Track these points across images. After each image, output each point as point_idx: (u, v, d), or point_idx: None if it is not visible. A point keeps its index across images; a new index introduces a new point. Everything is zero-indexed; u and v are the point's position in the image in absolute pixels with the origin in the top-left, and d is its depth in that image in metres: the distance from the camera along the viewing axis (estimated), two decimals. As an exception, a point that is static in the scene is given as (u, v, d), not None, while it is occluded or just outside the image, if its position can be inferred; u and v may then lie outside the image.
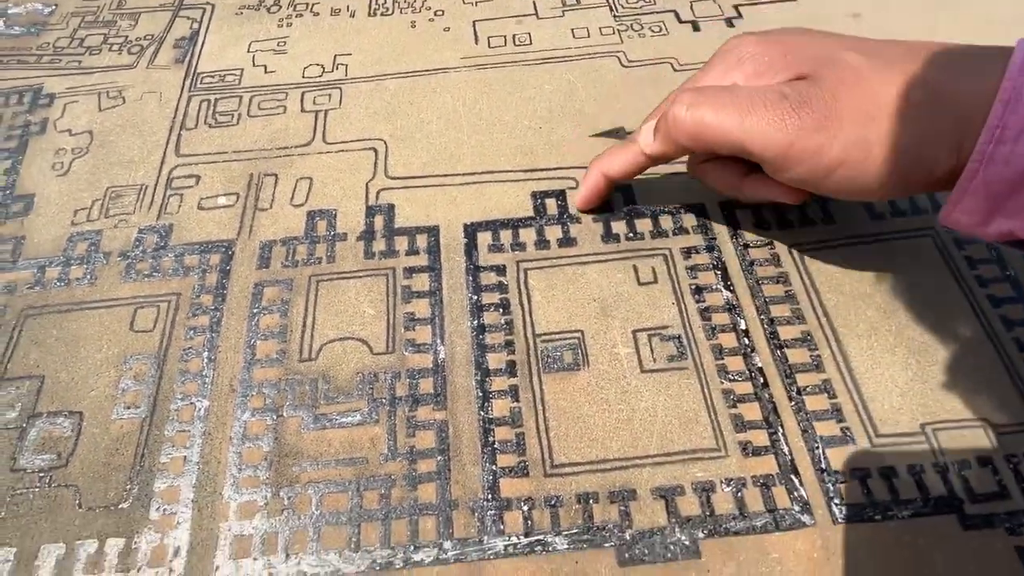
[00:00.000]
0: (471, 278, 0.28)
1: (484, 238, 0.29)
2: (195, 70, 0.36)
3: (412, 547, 0.22)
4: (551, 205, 0.30)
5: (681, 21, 0.37)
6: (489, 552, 0.21)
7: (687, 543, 0.21)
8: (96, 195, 0.31)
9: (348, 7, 0.38)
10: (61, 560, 0.22)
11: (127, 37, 0.37)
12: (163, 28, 0.38)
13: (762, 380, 0.24)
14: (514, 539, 0.22)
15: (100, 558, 0.22)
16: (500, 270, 0.28)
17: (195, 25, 0.38)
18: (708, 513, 0.22)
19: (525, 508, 0.22)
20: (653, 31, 0.37)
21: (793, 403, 0.24)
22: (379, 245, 0.29)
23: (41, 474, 0.23)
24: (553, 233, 0.29)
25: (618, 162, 0.27)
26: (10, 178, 0.31)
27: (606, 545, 0.21)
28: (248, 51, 0.36)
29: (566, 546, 0.21)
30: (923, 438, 0.23)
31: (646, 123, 0.26)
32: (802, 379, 0.24)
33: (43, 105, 0.34)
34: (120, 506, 0.23)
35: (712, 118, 0.22)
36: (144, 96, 0.35)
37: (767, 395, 0.24)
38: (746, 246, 0.28)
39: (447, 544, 0.22)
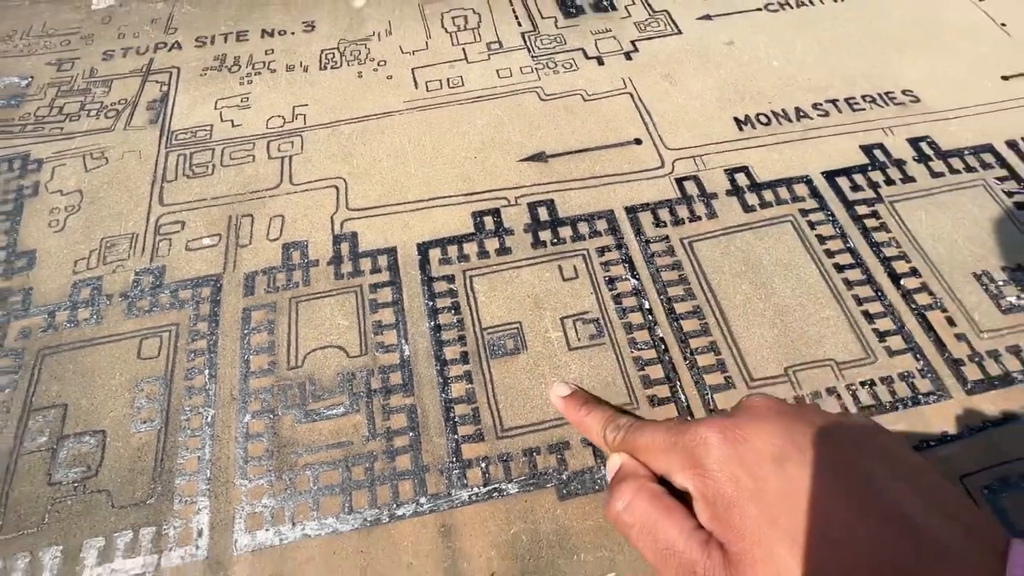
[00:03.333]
0: (426, 288, 0.33)
1: (435, 254, 0.34)
2: (169, 128, 0.40)
3: (395, 505, 0.27)
4: (488, 222, 0.36)
5: (588, 57, 0.44)
6: (456, 501, 0.27)
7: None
8: (92, 246, 0.35)
9: (301, 63, 0.44)
10: (102, 550, 0.26)
11: (103, 103, 0.42)
12: (135, 92, 0.42)
13: (663, 347, 0.31)
14: (476, 489, 0.27)
15: (135, 544, 0.26)
16: (450, 279, 0.33)
17: (164, 88, 0.42)
18: (625, 453, 0.28)
19: (483, 465, 0.28)
20: (565, 67, 0.43)
21: (687, 362, 0.30)
22: (347, 267, 0.34)
23: (75, 484, 0.28)
24: (492, 245, 0.35)
25: (592, 439, 0.27)
26: (11, 238, 0.35)
27: (548, 486, 0.27)
28: (215, 108, 0.41)
29: (517, 490, 0.27)
30: (786, 379, 0.30)
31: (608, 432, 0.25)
32: (694, 342, 0.31)
33: (32, 170, 0.38)
34: (147, 502, 0.27)
35: (635, 538, 0.22)
36: (125, 155, 0.39)
37: (667, 358, 0.30)
38: (647, 241, 0.35)
39: (423, 499, 0.27)
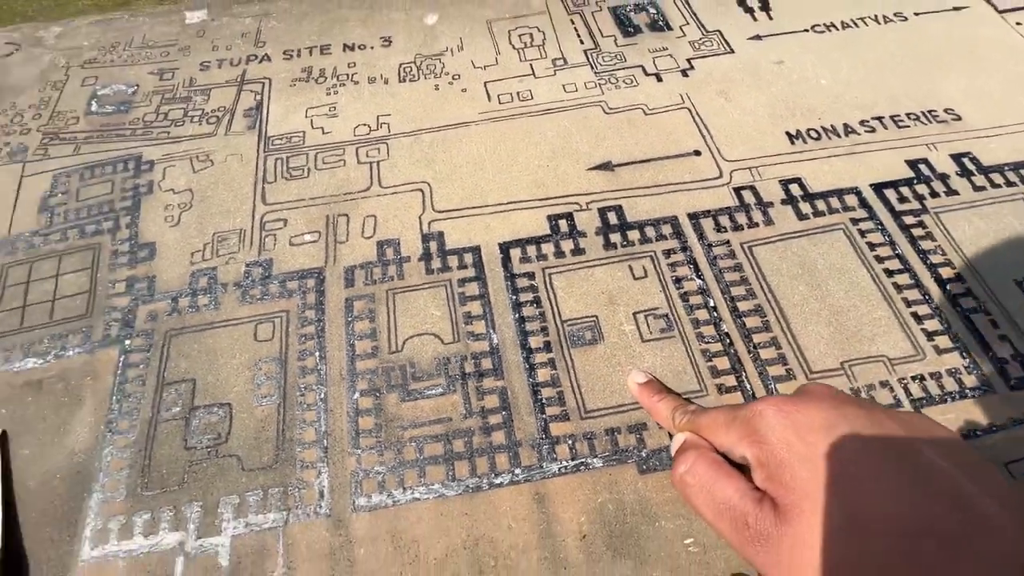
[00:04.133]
0: (509, 283, 0.36)
1: (515, 253, 0.38)
2: (266, 134, 0.44)
3: (492, 475, 0.30)
4: (563, 225, 0.39)
5: (647, 74, 0.47)
6: (548, 473, 0.30)
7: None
8: (205, 239, 0.39)
9: (382, 75, 0.48)
10: (237, 507, 0.30)
11: (203, 110, 0.46)
12: (232, 101, 0.46)
13: (728, 341, 0.34)
14: (564, 463, 0.30)
15: (266, 502, 0.30)
16: (531, 276, 0.37)
17: (258, 97, 0.46)
18: (698, 434, 0.31)
19: (570, 442, 0.31)
20: (626, 83, 0.46)
21: (751, 354, 0.33)
22: (436, 263, 0.37)
23: (208, 449, 0.31)
24: (567, 246, 0.38)
25: (662, 422, 0.31)
26: (132, 231, 0.39)
27: (629, 461, 0.30)
28: (306, 116, 0.45)
29: (601, 464, 0.30)
30: (842, 372, 0.33)
31: (675, 415, 0.29)
32: (756, 337, 0.34)
33: (145, 170, 0.42)
34: (273, 467, 0.31)
35: (695, 497, 0.25)
36: (228, 158, 0.43)
37: (733, 351, 0.33)
38: (710, 245, 0.38)
39: (517, 470, 0.30)
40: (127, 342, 0.35)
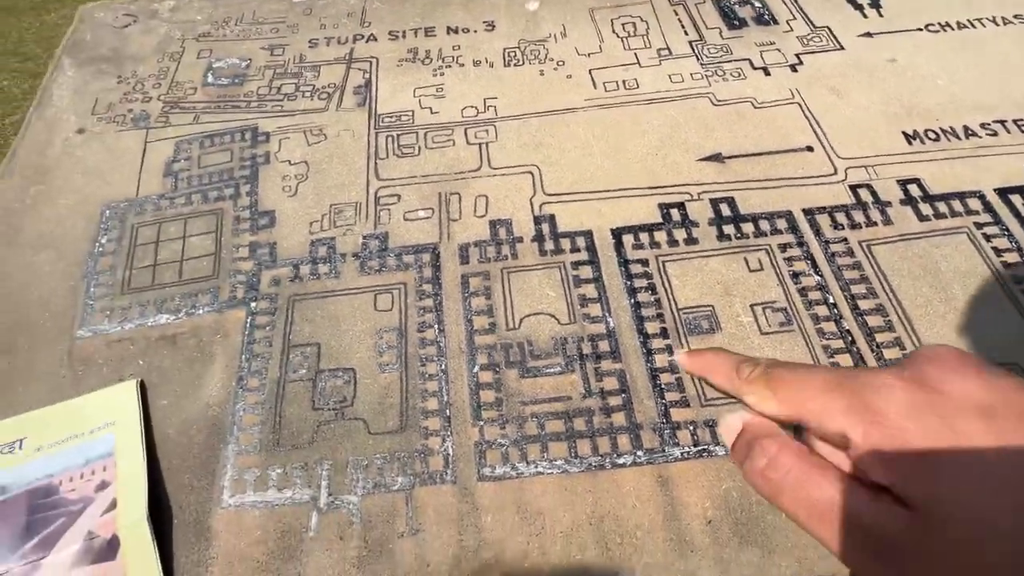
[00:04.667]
0: (623, 269, 0.37)
1: (628, 239, 0.38)
2: (375, 112, 0.45)
3: (615, 455, 0.30)
4: (675, 214, 0.39)
5: (754, 67, 0.47)
6: (670, 457, 0.30)
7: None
8: (323, 210, 0.40)
9: (487, 59, 0.48)
10: (365, 468, 0.30)
11: (314, 86, 0.47)
12: (341, 78, 0.47)
13: (850, 338, 0.33)
14: (687, 448, 0.30)
15: (392, 466, 0.31)
16: (644, 263, 0.37)
17: (366, 75, 0.47)
18: (821, 429, 0.31)
19: (691, 428, 0.31)
20: (733, 76, 0.46)
21: (875, 353, 0.33)
22: (549, 245, 0.38)
23: (335, 411, 0.32)
24: (680, 234, 0.38)
25: (720, 383, 0.25)
26: (252, 199, 0.41)
27: (752, 451, 0.30)
28: (414, 96, 0.46)
29: (723, 452, 0.30)
30: (970, 377, 0.32)
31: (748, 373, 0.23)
32: (879, 336, 0.33)
33: (262, 141, 0.44)
34: (399, 432, 0.31)
35: (783, 496, 0.20)
36: (341, 133, 0.44)
37: (855, 349, 0.33)
38: (827, 242, 0.37)
39: (640, 452, 0.30)
40: (253, 304, 0.36)
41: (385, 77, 0.48)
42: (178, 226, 0.40)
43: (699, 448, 0.31)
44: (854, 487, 0.19)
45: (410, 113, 0.45)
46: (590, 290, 0.36)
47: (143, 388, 0.33)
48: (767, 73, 0.46)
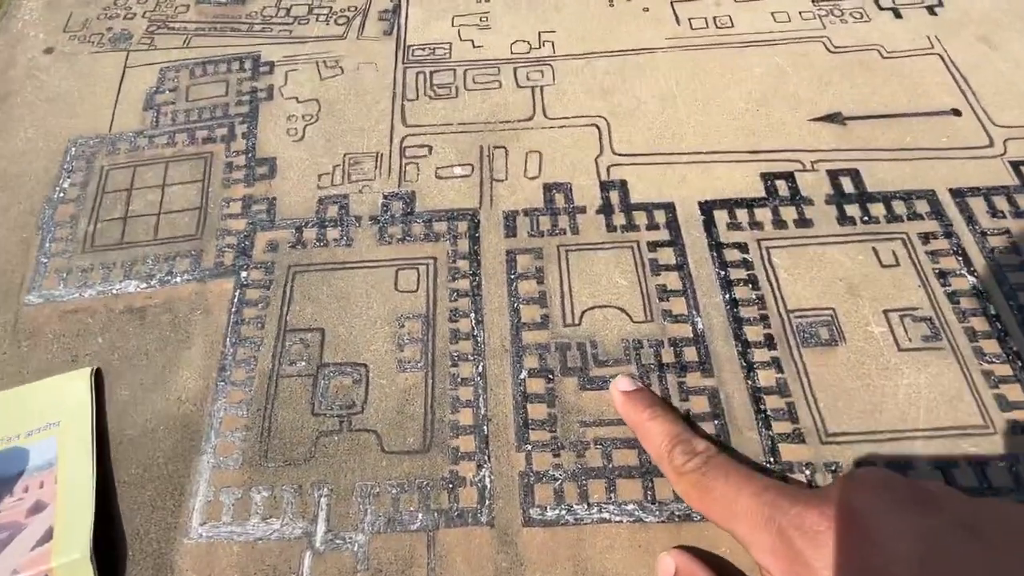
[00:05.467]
0: (715, 254, 0.28)
1: (720, 216, 0.30)
2: (404, 42, 0.37)
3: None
4: (781, 186, 0.30)
5: (881, 8, 0.37)
6: (779, 510, 0.23)
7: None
8: (335, 160, 0.32)
9: (543, -16, 0.39)
10: (375, 496, 0.23)
11: (331, 8, 0.38)
12: (364, 0, 0.39)
13: (1020, 363, 0.25)
14: (802, 500, 0.23)
15: (411, 497, 0.23)
16: (743, 248, 0.29)
17: (395, -2, 0.39)
18: (986, 486, 0.23)
19: (807, 471, 0.23)
20: (854, 17, 0.37)
21: (1056, 386, 0.25)
22: (619, 219, 0.30)
23: (340, 418, 0.25)
24: (788, 214, 0.30)
25: (649, 449, 0.23)
26: (250, 142, 0.33)
27: (891, 510, 0.23)
28: (452, 25, 0.37)
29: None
30: None
31: None
32: (1062, 364, 0.25)
33: (265, 72, 0.36)
34: (421, 453, 0.24)
35: None
36: (361, 66, 0.36)
37: (1028, 377, 0.25)
38: (983, 233, 0.29)
39: (738, 501, 0.23)
40: (243, 274, 0.29)
41: (418, 2, 0.39)
42: (157, 171, 0.32)
43: (819, 501, 0.23)
44: None
45: (447, 46, 0.37)
46: (672, 280, 0.28)
47: (99, 378, 0.26)
48: (898, 15, 0.37)
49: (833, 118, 0.33)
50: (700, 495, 0.21)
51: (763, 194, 0.30)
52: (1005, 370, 0.25)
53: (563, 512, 0.23)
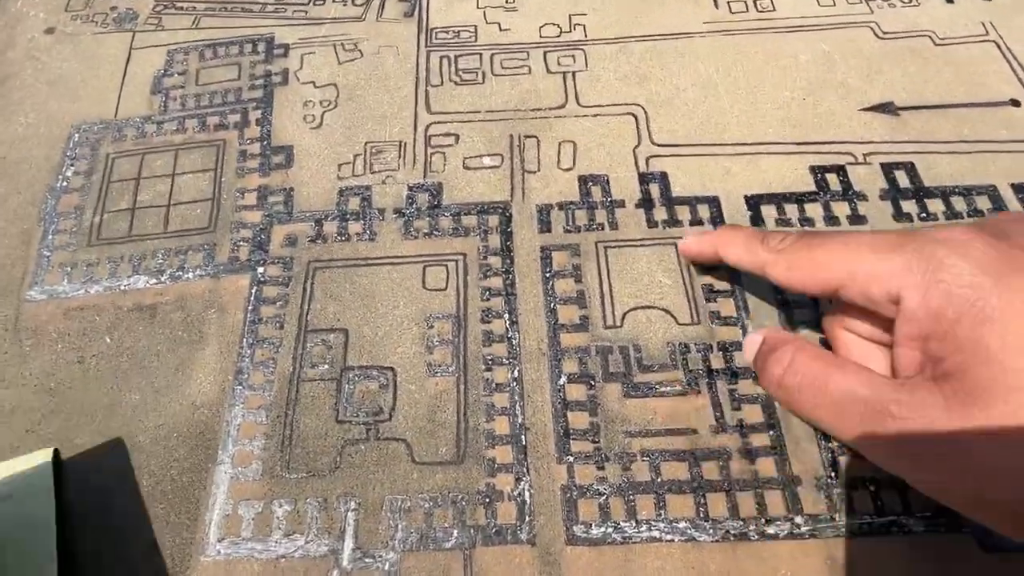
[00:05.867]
0: (764, 252, 0.27)
1: (768, 211, 0.28)
2: (427, 25, 0.35)
3: (763, 520, 0.21)
4: (832, 180, 0.29)
5: (931, -8, 0.35)
6: (843, 530, 0.21)
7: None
8: (356, 149, 0.30)
9: (572, -36, 0.37)
10: (406, 512, 0.22)
11: (348, -12, 0.36)
12: (383, -20, 0.37)
13: (1096, 372, 0.24)
14: (868, 519, 0.21)
15: (445, 512, 0.22)
16: (793, 245, 0.27)
17: (415, -22, 0.37)
18: None
19: (871, 488, 0.22)
20: (903, 1, 0.35)
21: None
22: (660, 214, 0.28)
23: (367, 426, 0.23)
24: (840, 210, 0.28)
25: (738, 256, 0.22)
26: (264, 129, 0.31)
27: (964, 530, 0.21)
28: (478, 7, 0.35)
29: (923, 529, 0.21)
30: None
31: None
32: None
33: (279, 55, 0.34)
34: (455, 463, 0.23)
35: (802, 401, 0.19)
36: (381, 50, 0.34)
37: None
38: (1050, 232, 0.27)
39: (798, 519, 0.21)
40: (260, 269, 0.27)
41: (440, -18, 0.37)
42: (166, 159, 0.31)
43: (886, 519, 0.21)
44: (875, 378, 0.17)
45: (472, 29, 0.35)
46: (719, 280, 0.26)
47: (57, 459, 0.23)
48: (949, 0, 0.35)
49: (885, 108, 0.31)
50: (811, 254, 0.19)
51: (813, 188, 0.28)
52: (1080, 379, 0.24)
53: (609, 530, 0.21)
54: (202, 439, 0.23)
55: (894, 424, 0.16)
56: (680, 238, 0.27)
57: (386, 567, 0.21)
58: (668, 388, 0.24)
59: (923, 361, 0.17)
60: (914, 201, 0.28)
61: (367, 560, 0.21)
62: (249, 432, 0.23)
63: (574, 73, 0.33)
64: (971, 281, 0.15)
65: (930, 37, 0.33)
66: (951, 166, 0.29)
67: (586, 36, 0.34)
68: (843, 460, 0.22)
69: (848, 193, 0.28)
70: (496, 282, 0.26)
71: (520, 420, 0.23)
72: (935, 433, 0.15)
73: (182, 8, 0.36)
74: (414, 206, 0.29)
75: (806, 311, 0.25)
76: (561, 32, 0.34)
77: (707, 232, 0.23)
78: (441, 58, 0.33)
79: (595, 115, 0.31)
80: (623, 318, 0.25)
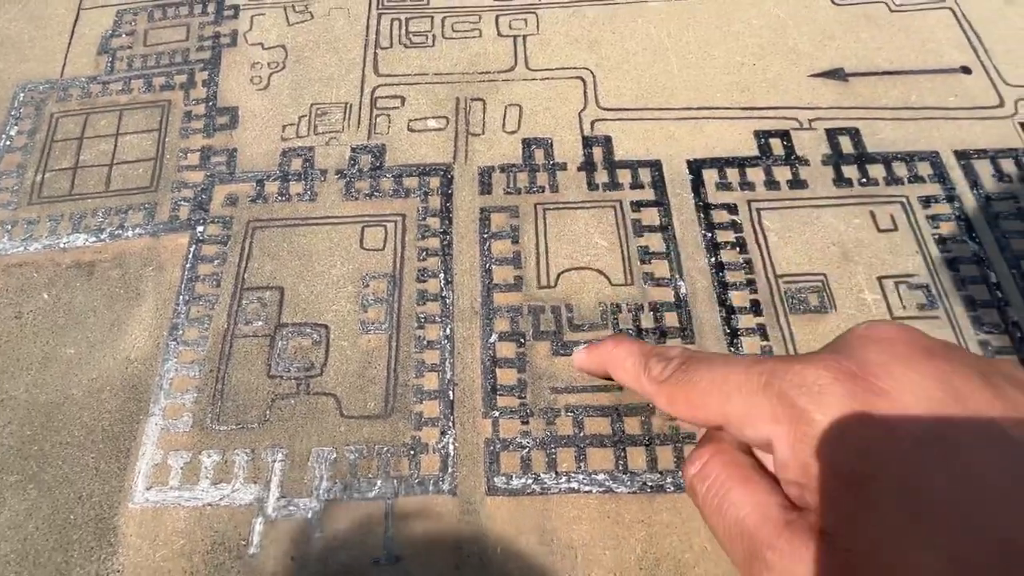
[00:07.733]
0: (702, 215, 0.27)
1: (710, 175, 0.28)
2: (379, -13, 0.34)
3: (680, 473, 0.22)
4: (776, 145, 0.29)
5: (891, -43, 0.35)
6: (758, 483, 0.22)
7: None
8: (301, 111, 0.30)
9: (530, -73, 0.37)
10: (333, 463, 0.22)
11: (302, -51, 0.36)
12: (338, -59, 0.36)
13: (1020, 334, 0.24)
14: (782, 472, 0.22)
15: (370, 464, 0.22)
16: (732, 209, 0.27)
17: (370, -60, 0.36)
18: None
19: (789, 443, 0.22)
20: (862, -33, 0.34)
21: (1056, 358, 0.23)
22: (601, 177, 0.28)
23: (297, 381, 0.24)
24: (782, 174, 0.28)
25: (626, 382, 0.21)
26: (210, 90, 0.31)
27: (876, 484, 0.21)
28: (432, -31, 0.35)
29: (836, 482, 0.22)
30: None
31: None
32: (1064, 335, 0.24)
33: (229, 16, 0.33)
34: (383, 417, 0.23)
35: (704, 510, 0.18)
36: (332, 12, 0.33)
37: (1027, 349, 0.24)
38: (988, 198, 0.27)
39: (715, 472, 0.22)
40: (199, 228, 0.27)
41: (395, -56, 0.37)
42: (110, 119, 0.30)
43: (800, 473, 0.22)
44: (768, 509, 0.16)
45: (425, -9, 0.35)
46: (655, 241, 0.26)
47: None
48: (908, -34, 0.35)
49: (834, 74, 0.31)
50: (686, 393, 0.18)
51: (756, 153, 0.28)
52: (1003, 341, 0.24)
53: (530, 481, 0.22)
54: (134, 392, 0.24)
55: (767, 574, 0.15)
56: (619, 200, 0.27)
57: (309, 515, 0.21)
58: (597, 346, 0.24)
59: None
60: (856, 166, 0.28)
61: (291, 508, 0.22)
62: (181, 386, 0.24)
63: (525, 36, 0.32)
64: (833, 439, 0.15)
65: (885, 4, 0.33)
66: (896, 132, 0.29)
67: None
68: (764, 417, 0.23)
69: (790, 158, 0.28)
70: (434, 243, 0.27)
71: (449, 376, 0.24)
72: None
73: (133, -32, 0.36)
74: (356, 167, 0.29)
75: (740, 272, 0.26)
76: (514, -5, 0.34)
77: (597, 346, 0.22)
78: (392, 20, 0.33)
79: (544, 79, 0.31)
80: (557, 279, 0.26)
